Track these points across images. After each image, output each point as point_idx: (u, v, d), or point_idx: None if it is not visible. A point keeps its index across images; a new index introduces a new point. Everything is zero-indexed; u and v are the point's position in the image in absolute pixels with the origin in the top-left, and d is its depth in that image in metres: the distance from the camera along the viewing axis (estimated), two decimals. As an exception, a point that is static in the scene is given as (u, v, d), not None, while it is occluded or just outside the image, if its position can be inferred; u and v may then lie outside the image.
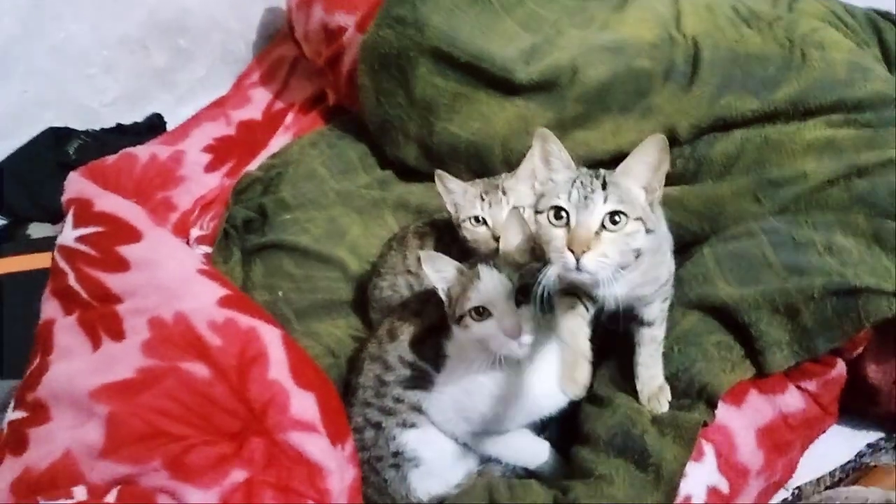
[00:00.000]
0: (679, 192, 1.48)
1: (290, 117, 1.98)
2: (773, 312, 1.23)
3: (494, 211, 1.33)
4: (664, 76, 1.55)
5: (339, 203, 1.76)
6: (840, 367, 1.27)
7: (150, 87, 2.08)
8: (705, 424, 1.19)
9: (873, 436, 1.37)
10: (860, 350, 1.27)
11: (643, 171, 1.02)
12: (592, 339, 1.09)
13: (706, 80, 1.52)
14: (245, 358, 1.23)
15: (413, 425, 1.24)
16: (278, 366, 1.23)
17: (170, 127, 2.09)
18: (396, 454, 1.25)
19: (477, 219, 1.33)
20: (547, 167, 1.05)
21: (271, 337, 1.27)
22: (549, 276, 1.00)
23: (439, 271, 1.15)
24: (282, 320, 1.50)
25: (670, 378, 1.23)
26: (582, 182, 1.00)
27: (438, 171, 1.37)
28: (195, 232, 1.74)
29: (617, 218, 0.98)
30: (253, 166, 1.88)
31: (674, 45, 1.57)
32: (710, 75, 1.52)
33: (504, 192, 1.34)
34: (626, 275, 1.02)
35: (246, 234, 1.72)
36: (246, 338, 1.26)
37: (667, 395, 1.21)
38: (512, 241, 1.15)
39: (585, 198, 0.98)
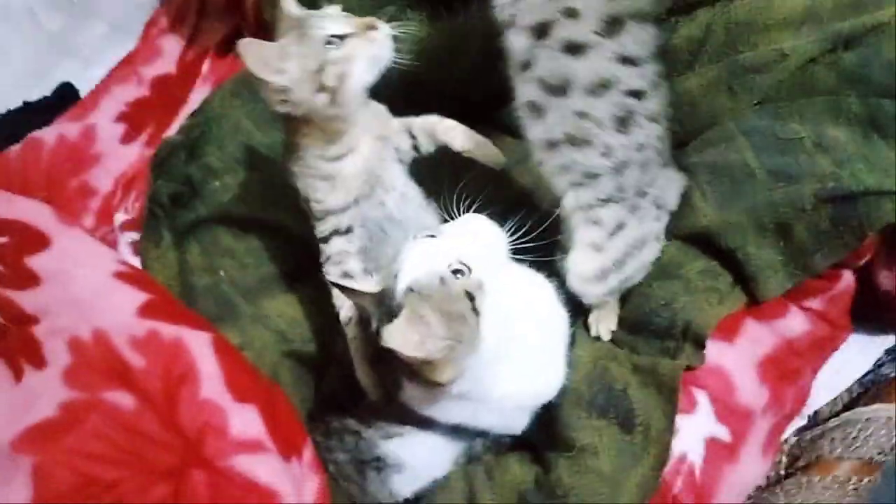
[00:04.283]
0: None
1: (206, 65, 1.78)
2: (762, 232, 1.08)
3: None
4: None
5: (270, 159, 1.56)
6: (847, 279, 1.12)
7: (50, 56, 1.86)
8: (689, 368, 1.06)
9: (892, 340, 1.22)
10: (868, 258, 1.10)
11: None
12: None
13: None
14: (172, 378, 1.09)
15: (397, 435, 1.12)
16: (211, 381, 1.09)
17: (83, 93, 1.87)
18: (378, 459, 1.14)
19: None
20: None
21: (200, 346, 1.13)
22: None
23: None
24: (228, 304, 1.39)
25: (650, 316, 1.10)
26: None
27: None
28: (120, 217, 1.58)
29: None
30: (174, 129, 1.68)
31: None
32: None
33: None
34: None
35: (175, 211, 1.54)
36: (171, 353, 1.12)
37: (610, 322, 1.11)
38: None
39: None
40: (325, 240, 1.17)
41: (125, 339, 1.12)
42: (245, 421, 1.06)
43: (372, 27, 1.05)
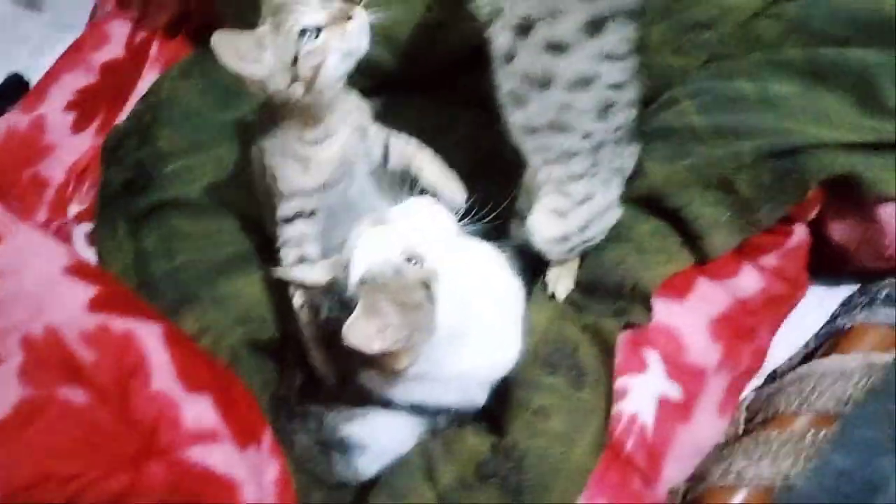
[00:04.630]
0: None
1: (155, 47, 1.73)
2: (705, 188, 1.08)
3: None
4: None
5: (225, 139, 1.55)
6: (800, 233, 1.12)
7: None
8: (631, 326, 1.07)
9: (848, 291, 1.22)
10: (817, 210, 1.10)
11: None
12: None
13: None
14: (123, 371, 1.09)
15: (359, 416, 1.12)
16: (162, 372, 1.09)
17: (33, 83, 1.84)
18: (342, 441, 1.13)
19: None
20: None
21: (151, 338, 1.12)
22: None
23: None
24: (187, 290, 1.37)
25: (602, 277, 1.11)
26: None
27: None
28: (74, 208, 1.55)
29: None
30: (125, 115, 1.65)
31: None
32: None
33: None
34: None
35: (128, 199, 1.52)
36: (122, 346, 1.11)
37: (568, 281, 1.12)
38: None
39: None
40: (289, 220, 1.17)
41: (76, 335, 1.11)
42: (198, 411, 1.06)
43: (346, 17, 1.04)
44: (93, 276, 1.20)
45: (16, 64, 1.87)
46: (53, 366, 1.10)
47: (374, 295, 0.90)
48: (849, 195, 1.07)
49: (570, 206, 1.08)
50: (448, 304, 0.94)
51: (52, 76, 1.75)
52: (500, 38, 0.99)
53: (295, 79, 1.05)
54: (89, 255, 1.47)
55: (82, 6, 1.90)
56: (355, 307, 0.88)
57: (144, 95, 1.64)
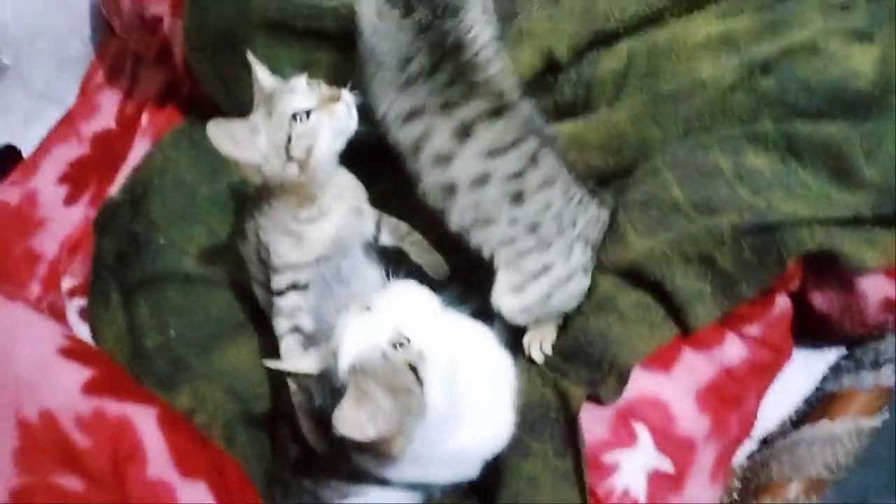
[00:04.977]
0: (575, 127, 1.29)
1: (145, 117, 1.75)
2: (686, 262, 1.10)
3: None
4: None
5: (216, 209, 1.57)
6: (782, 303, 1.13)
7: (-13, 117, 1.83)
8: (593, 399, 1.10)
9: (835, 353, 1.23)
10: (799, 280, 1.11)
11: None
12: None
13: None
14: (119, 457, 1.10)
15: (353, 494, 1.13)
16: (158, 458, 1.10)
17: (25, 153, 1.86)
18: None
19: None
20: None
21: (146, 422, 1.14)
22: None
23: None
24: (180, 363, 1.38)
25: (584, 346, 1.12)
26: None
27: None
28: (67, 282, 1.56)
29: None
30: (116, 186, 1.67)
31: None
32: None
33: None
34: None
35: (121, 270, 1.54)
36: (117, 431, 1.13)
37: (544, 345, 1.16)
38: None
39: None
40: (281, 293, 1.20)
41: (71, 419, 1.13)
42: (194, 497, 1.06)
43: (334, 99, 1.10)
44: (87, 358, 1.21)
45: (5, 135, 1.87)
46: (49, 451, 1.11)
47: (362, 382, 0.92)
48: (829, 266, 1.08)
49: (526, 280, 1.13)
50: (438, 384, 0.95)
51: (43, 148, 1.77)
52: (408, 161, 1.13)
53: (289, 160, 1.10)
54: (83, 329, 1.48)
55: (72, 77, 1.91)
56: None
57: (136, 167, 1.66)
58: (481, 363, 1.07)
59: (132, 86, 1.84)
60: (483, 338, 1.09)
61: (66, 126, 1.80)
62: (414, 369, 0.94)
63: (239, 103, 1.50)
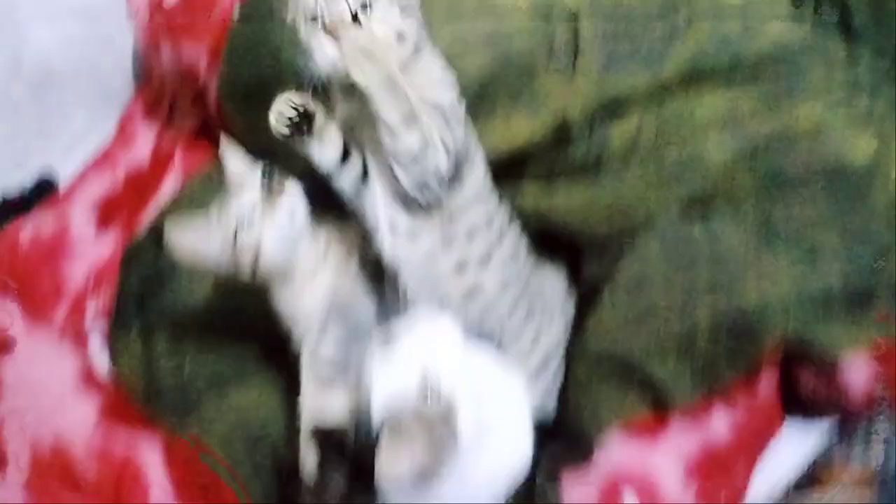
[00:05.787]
0: (584, 191, 1.34)
1: (178, 153, 1.82)
2: (665, 352, 1.11)
3: None
4: (546, 57, 1.38)
5: (237, 248, 1.61)
6: (768, 376, 1.14)
7: (28, 145, 1.91)
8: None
9: (827, 424, 1.24)
10: (781, 358, 1.14)
11: None
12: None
13: (589, 57, 1.35)
14: (122, 490, 1.14)
15: None
16: (159, 490, 1.13)
17: (62, 180, 1.93)
18: None
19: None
20: None
21: (150, 454, 1.20)
22: None
23: None
24: (195, 399, 1.41)
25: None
26: None
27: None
28: (92, 312, 1.61)
29: None
30: (146, 218, 1.73)
31: (551, 18, 1.40)
32: (592, 51, 1.35)
33: None
34: None
35: (143, 304, 1.59)
36: (122, 463, 1.18)
37: None
38: None
39: None
40: (301, 345, 1.21)
41: (82, 448, 1.18)
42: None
43: (278, 192, 1.07)
44: (101, 389, 1.26)
45: (45, 160, 1.94)
46: (58, 477, 1.16)
47: (397, 432, 0.96)
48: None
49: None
50: (469, 426, 0.99)
51: (79, 179, 1.84)
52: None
53: (240, 263, 1.08)
54: (104, 358, 1.53)
55: (112, 112, 1.98)
56: (377, 443, 0.94)
57: (165, 204, 1.72)
58: (502, 389, 1.11)
59: (168, 123, 1.91)
60: (501, 362, 1.12)
61: (102, 159, 1.87)
62: (448, 421, 0.97)
63: (265, 149, 1.57)
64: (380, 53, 1.01)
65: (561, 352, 1.26)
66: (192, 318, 1.54)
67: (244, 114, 1.54)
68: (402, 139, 1.04)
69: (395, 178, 1.07)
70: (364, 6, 1.04)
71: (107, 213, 1.78)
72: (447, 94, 1.12)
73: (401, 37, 1.08)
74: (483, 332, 1.16)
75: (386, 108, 1.01)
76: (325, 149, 1.09)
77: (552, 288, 1.34)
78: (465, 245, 1.15)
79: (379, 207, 1.12)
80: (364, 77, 1.01)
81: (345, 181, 1.12)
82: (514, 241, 1.26)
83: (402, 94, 1.02)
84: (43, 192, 1.90)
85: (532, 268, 1.31)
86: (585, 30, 1.35)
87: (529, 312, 1.23)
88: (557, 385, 1.23)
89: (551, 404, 1.21)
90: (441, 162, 1.07)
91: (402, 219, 1.12)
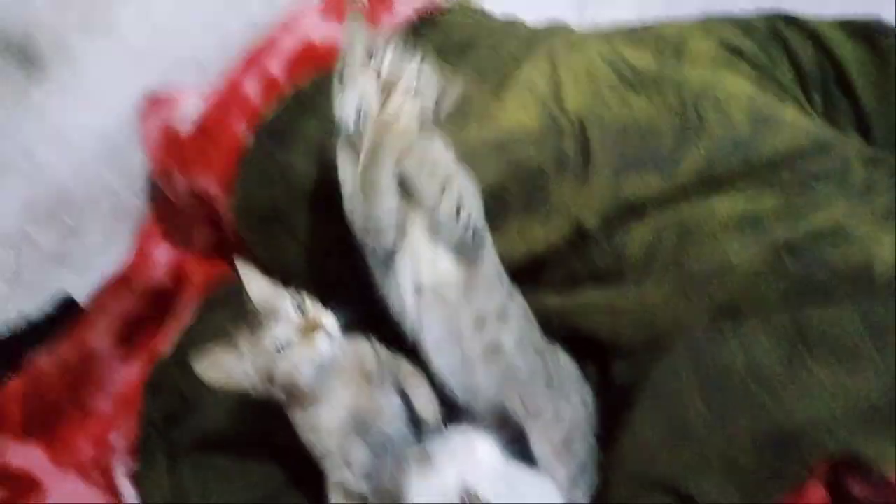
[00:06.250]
0: (607, 296, 1.34)
1: (195, 272, 1.83)
2: (708, 471, 1.08)
3: None
4: (557, 166, 1.38)
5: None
6: (818, 491, 1.10)
7: (45, 272, 1.92)
8: None
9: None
10: (829, 472, 1.10)
11: None
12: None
13: (601, 164, 1.35)
14: None
15: None
16: None
17: (81, 300, 1.93)
18: None
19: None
20: None
21: None
22: None
23: None
24: None
25: None
26: None
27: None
28: (116, 441, 1.60)
29: None
30: (168, 341, 1.73)
31: (559, 130, 1.41)
32: (604, 158, 1.36)
33: None
34: None
35: (169, 431, 1.58)
36: None
37: None
38: None
39: None
40: (329, 469, 1.23)
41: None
42: None
43: (314, 328, 1.12)
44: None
45: (62, 284, 1.95)
46: None
47: None
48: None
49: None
50: None
51: (99, 304, 1.84)
52: None
53: (274, 386, 1.14)
54: (131, 491, 1.51)
55: (127, 229, 2.00)
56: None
57: (185, 325, 1.71)
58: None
59: (184, 241, 1.92)
60: (536, 477, 1.11)
61: (119, 282, 1.87)
62: None
63: (283, 265, 1.58)
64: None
65: (590, 440, 1.26)
66: (217, 445, 1.52)
67: (260, 235, 1.55)
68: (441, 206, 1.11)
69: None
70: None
71: (128, 336, 1.78)
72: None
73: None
74: (507, 402, 1.18)
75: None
76: None
77: (567, 365, 1.35)
78: (484, 297, 1.17)
79: (406, 272, 1.17)
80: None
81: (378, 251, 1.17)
82: (522, 304, 1.28)
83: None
84: (65, 311, 1.90)
85: (546, 342, 1.31)
86: (594, 137, 1.35)
87: (548, 383, 1.23)
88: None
89: None
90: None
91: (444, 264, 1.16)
